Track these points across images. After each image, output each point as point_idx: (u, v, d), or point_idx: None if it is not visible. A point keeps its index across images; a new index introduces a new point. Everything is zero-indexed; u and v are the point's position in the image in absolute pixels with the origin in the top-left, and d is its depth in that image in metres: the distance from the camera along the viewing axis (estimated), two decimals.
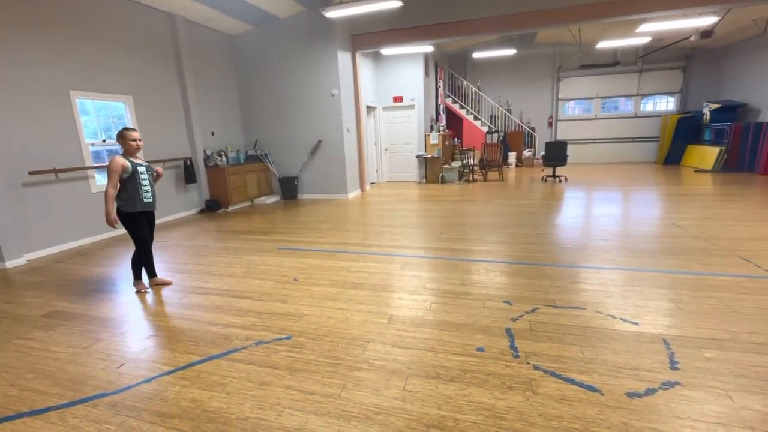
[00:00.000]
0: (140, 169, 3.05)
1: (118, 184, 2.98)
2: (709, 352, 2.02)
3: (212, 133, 7.05)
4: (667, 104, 11.20)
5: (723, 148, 8.71)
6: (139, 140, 3.05)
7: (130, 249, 4.55)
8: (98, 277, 3.66)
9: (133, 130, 3.04)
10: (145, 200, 3.07)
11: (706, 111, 9.60)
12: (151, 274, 3.33)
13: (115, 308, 2.94)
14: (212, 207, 6.77)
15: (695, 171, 8.97)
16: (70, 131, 4.76)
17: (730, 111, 9.26)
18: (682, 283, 2.90)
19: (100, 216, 5.10)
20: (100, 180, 5.19)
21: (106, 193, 2.94)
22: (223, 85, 7.35)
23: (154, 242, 3.39)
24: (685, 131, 10.11)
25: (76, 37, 4.79)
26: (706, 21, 6.71)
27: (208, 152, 6.86)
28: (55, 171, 4.55)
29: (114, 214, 3.00)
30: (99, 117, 5.26)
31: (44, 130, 4.49)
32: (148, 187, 3.09)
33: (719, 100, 9.64)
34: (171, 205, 6.27)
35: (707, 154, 9.16)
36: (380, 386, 1.87)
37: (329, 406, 1.75)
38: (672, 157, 10.44)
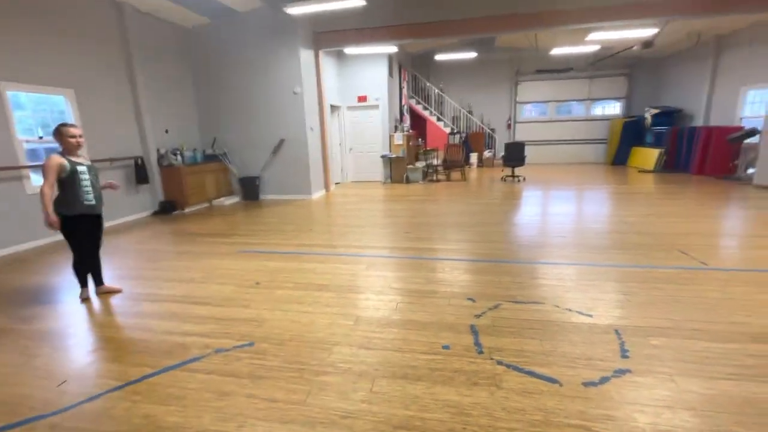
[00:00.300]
0: (80, 168, 2.79)
1: (55, 184, 2.74)
2: (656, 340, 2.17)
3: (166, 131, 6.67)
4: (614, 108, 12.00)
5: (662, 150, 9.45)
6: (80, 137, 2.80)
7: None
8: (36, 287, 3.34)
9: (72, 126, 2.79)
10: (86, 202, 2.83)
11: (648, 115, 10.38)
12: (98, 281, 3.10)
13: (57, 320, 2.70)
14: (167, 209, 6.40)
15: (639, 171, 9.66)
16: (0, 126, 4.32)
17: (667, 116, 10.07)
18: (631, 276, 3.10)
19: (38, 220, 4.66)
20: (37, 180, 4.75)
21: (41, 193, 2.67)
22: (178, 80, 6.98)
23: (102, 248, 3.14)
24: (630, 134, 10.88)
25: (5, 23, 4.35)
26: (648, 32, 7.25)
27: (162, 151, 6.48)
28: None
29: (53, 216, 2.75)
30: (36, 112, 4.81)
31: None
32: (90, 188, 2.83)
33: (659, 106, 10.46)
34: (120, 208, 5.85)
35: (649, 156, 9.89)
36: (347, 389, 1.84)
37: (294, 413, 1.70)
38: (619, 157, 11.18)
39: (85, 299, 3.00)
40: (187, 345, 2.30)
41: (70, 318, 2.73)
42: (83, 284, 3.04)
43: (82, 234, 2.90)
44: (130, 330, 2.52)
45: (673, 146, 9.43)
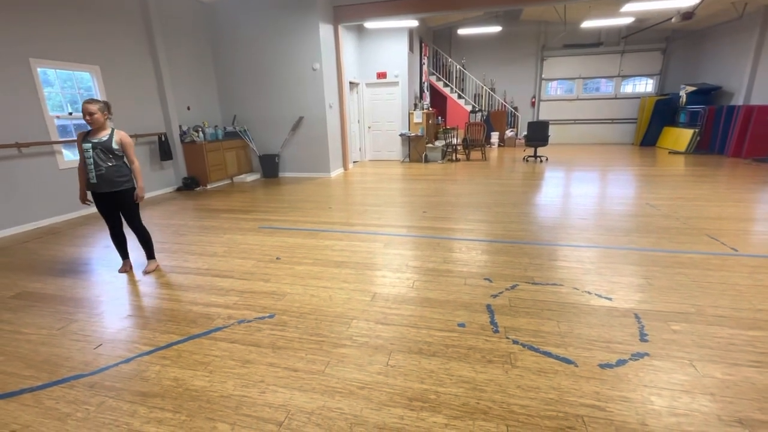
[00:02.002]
0: (85, 146, 2.78)
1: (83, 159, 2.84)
2: (677, 325, 2.13)
3: (188, 108, 6.76)
4: (645, 86, 11.38)
5: (696, 130, 8.97)
6: (90, 114, 2.71)
7: (104, 228, 4.41)
8: (70, 257, 3.53)
9: (89, 102, 2.73)
10: (90, 180, 2.84)
11: (683, 93, 9.81)
12: (124, 256, 3.20)
13: (90, 289, 2.86)
14: (190, 185, 6.56)
15: (669, 152, 9.24)
16: (32, 103, 4.47)
17: (705, 94, 9.50)
18: (654, 260, 3.02)
19: (70, 193, 4.88)
20: (68, 156, 4.93)
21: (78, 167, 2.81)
22: (199, 56, 7.00)
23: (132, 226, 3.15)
24: (662, 113, 10.34)
25: (33, 1, 4.43)
26: (688, 2, 6.76)
27: (184, 128, 6.59)
28: (18, 146, 4.29)
29: (84, 191, 2.86)
30: (64, 89, 4.94)
31: (3, 102, 4.19)
32: (92, 166, 2.79)
33: (695, 83, 9.86)
34: (147, 183, 6.04)
35: (681, 136, 9.42)
36: (364, 362, 1.90)
37: (313, 382, 1.77)
38: (648, 138, 10.69)
39: (122, 271, 3.14)
40: (212, 315, 2.40)
41: (102, 287, 2.88)
42: (121, 257, 3.18)
43: (100, 210, 2.98)
44: (158, 300, 2.65)
45: (709, 126, 8.93)
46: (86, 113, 2.72)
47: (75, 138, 4.96)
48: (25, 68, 4.38)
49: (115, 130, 2.87)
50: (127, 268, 3.17)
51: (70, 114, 4.94)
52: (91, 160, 2.79)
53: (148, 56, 5.95)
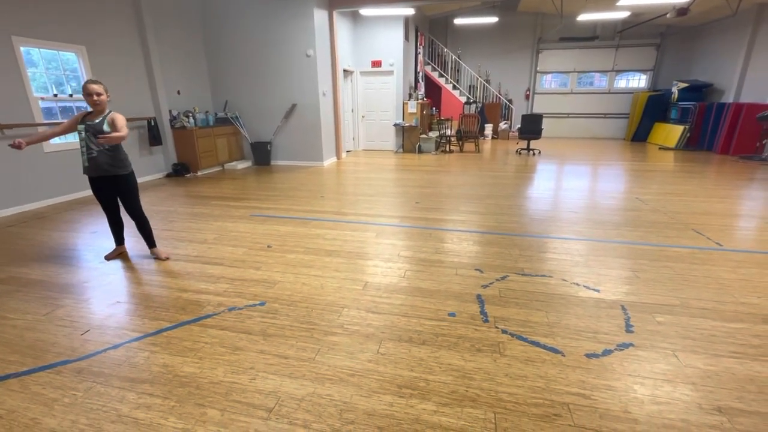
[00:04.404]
0: (79, 127, 2.69)
1: (60, 132, 2.76)
2: (661, 317, 2.17)
3: (178, 92, 6.61)
4: (639, 81, 11.44)
5: (687, 126, 9.07)
6: (96, 95, 2.62)
7: (91, 213, 4.33)
8: (56, 242, 3.46)
9: (92, 82, 2.63)
10: (83, 164, 2.75)
11: (675, 90, 9.89)
12: (118, 241, 3.14)
13: (77, 274, 2.81)
14: (180, 171, 6.46)
15: (660, 148, 9.34)
16: (15, 84, 4.32)
17: (696, 91, 9.58)
18: (642, 253, 3.07)
19: (55, 177, 4.77)
20: (54, 139, 4.79)
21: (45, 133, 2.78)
22: (189, 40, 6.82)
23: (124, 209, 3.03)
24: (654, 109, 10.42)
25: None
26: None
27: (174, 112, 6.46)
28: (0, 127, 4.16)
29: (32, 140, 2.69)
30: (49, 69, 4.78)
31: None
32: (84, 149, 2.69)
33: (687, 80, 9.94)
34: (135, 169, 5.90)
35: (672, 132, 9.52)
36: (354, 350, 1.91)
37: (303, 369, 1.78)
38: (640, 133, 10.79)
39: (109, 258, 3.06)
40: (202, 302, 2.39)
41: (90, 273, 2.84)
42: (115, 242, 3.11)
43: (96, 195, 2.92)
44: (147, 286, 2.62)
45: (699, 123, 9.04)
46: (92, 93, 2.60)
47: (61, 120, 4.84)
48: (7, 47, 4.23)
49: (113, 113, 2.74)
50: (115, 254, 3.11)
51: (55, 96, 4.80)
52: (84, 143, 2.68)
53: (137, 38, 5.78)
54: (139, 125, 5.96)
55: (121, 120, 2.71)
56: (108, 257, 3.08)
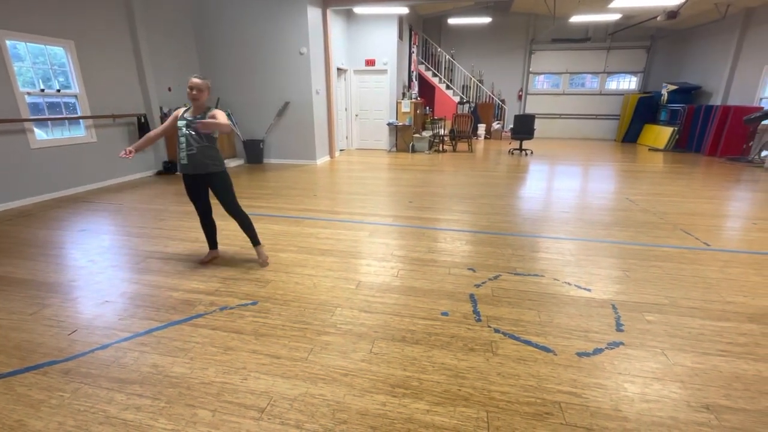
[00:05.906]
0: (179, 123, 2.60)
1: (162, 133, 2.72)
2: (651, 316, 2.20)
3: (169, 89, 6.52)
4: (629, 83, 11.58)
5: (676, 128, 9.21)
6: (199, 90, 2.55)
7: (78, 211, 4.26)
8: (42, 241, 3.40)
9: (196, 77, 2.57)
10: (181, 161, 2.63)
11: (665, 92, 10.03)
12: (211, 245, 3.01)
13: (64, 273, 2.76)
14: (171, 169, 6.38)
15: (649, 149, 9.47)
16: (1, 78, 4.22)
17: (685, 93, 9.73)
18: (631, 253, 3.11)
19: (42, 174, 4.68)
20: (41, 135, 4.71)
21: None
22: (181, 37, 6.74)
23: (214, 212, 2.94)
24: (644, 110, 10.56)
25: None
26: (674, 1, 6.86)
27: (165, 109, 6.37)
28: None
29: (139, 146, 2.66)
30: (36, 64, 4.68)
31: None
32: (183, 145, 2.59)
33: (677, 82, 10.09)
34: (124, 166, 5.84)
35: (661, 134, 9.66)
36: (347, 349, 1.90)
37: (296, 369, 1.77)
38: (630, 135, 10.93)
39: (204, 261, 2.94)
40: (192, 302, 2.36)
41: (77, 272, 2.79)
42: (209, 245, 3.01)
43: (189, 194, 2.80)
44: (136, 285, 2.58)
45: (688, 125, 9.18)
46: (192, 87, 2.54)
47: (47, 116, 4.74)
48: None
49: (213, 109, 2.63)
50: (210, 258, 2.97)
51: (42, 91, 4.71)
52: (185, 138, 2.58)
53: (127, 34, 5.69)
54: (129, 122, 5.87)
55: (222, 115, 2.60)
56: (202, 261, 2.94)
